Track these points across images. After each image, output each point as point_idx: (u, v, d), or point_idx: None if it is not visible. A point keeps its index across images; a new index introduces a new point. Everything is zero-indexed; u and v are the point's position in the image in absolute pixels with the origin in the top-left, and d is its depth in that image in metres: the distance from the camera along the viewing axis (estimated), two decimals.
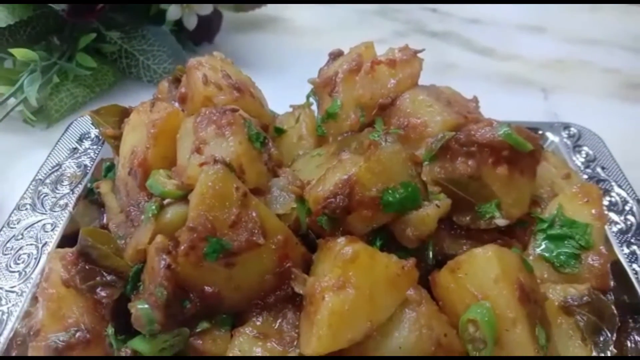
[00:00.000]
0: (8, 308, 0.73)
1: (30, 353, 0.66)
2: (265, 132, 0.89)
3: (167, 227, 0.70)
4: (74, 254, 0.68)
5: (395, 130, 0.79)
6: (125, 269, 0.70)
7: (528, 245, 0.81)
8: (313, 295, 0.66)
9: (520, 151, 0.79)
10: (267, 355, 0.66)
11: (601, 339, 0.71)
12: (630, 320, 0.81)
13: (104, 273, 0.69)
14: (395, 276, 0.67)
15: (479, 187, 0.79)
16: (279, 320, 0.69)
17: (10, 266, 0.79)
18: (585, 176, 1.01)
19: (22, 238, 0.83)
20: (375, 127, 0.85)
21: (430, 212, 0.73)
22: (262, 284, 0.69)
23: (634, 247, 0.88)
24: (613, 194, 0.98)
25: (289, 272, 0.69)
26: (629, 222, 0.92)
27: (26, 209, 0.88)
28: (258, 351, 0.66)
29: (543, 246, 0.79)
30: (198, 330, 0.68)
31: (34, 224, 0.85)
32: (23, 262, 0.79)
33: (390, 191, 0.72)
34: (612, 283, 0.80)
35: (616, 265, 0.85)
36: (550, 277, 0.78)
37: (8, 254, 0.80)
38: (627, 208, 0.95)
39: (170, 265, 0.64)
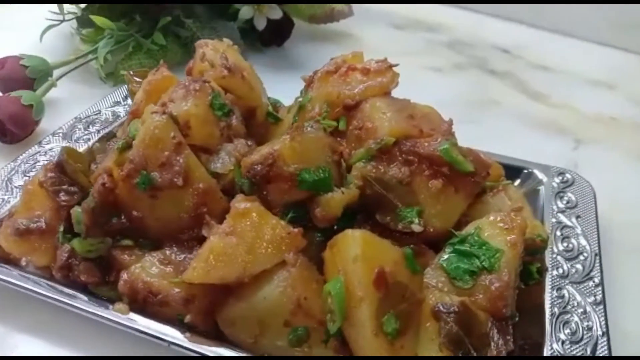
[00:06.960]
0: (7, 197, 0.95)
1: (1, 230, 0.86)
2: (253, 115, 1.03)
3: (125, 160, 0.86)
4: (53, 164, 0.87)
5: (328, 122, 0.88)
6: (87, 186, 0.87)
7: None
8: (207, 237, 0.78)
9: (462, 171, 0.85)
10: (160, 274, 0.79)
11: (461, 352, 0.73)
12: None
13: (70, 185, 0.87)
14: (279, 238, 0.76)
15: (405, 192, 0.85)
16: (185, 255, 0.82)
17: (25, 172, 1.01)
18: (554, 219, 1.00)
19: (44, 155, 1.05)
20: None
21: (336, 196, 0.81)
22: (179, 221, 0.82)
23: (564, 292, 0.87)
24: (573, 241, 0.96)
25: (203, 217, 0.82)
26: (573, 270, 0.91)
27: (58, 137, 1.10)
28: (154, 270, 0.79)
29: (446, 257, 0.82)
30: (121, 244, 0.83)
31: (57, 147, 1.07)
32: (35, 170, 1.01)
33: (307, 171, 0.82)
34: (510, 312, 0.80)
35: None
36: (443, 287, 0.80)
37: (28, 163, 1.03)
38: (581, 258, 0.93)
39: (105, 183, 0.80)
